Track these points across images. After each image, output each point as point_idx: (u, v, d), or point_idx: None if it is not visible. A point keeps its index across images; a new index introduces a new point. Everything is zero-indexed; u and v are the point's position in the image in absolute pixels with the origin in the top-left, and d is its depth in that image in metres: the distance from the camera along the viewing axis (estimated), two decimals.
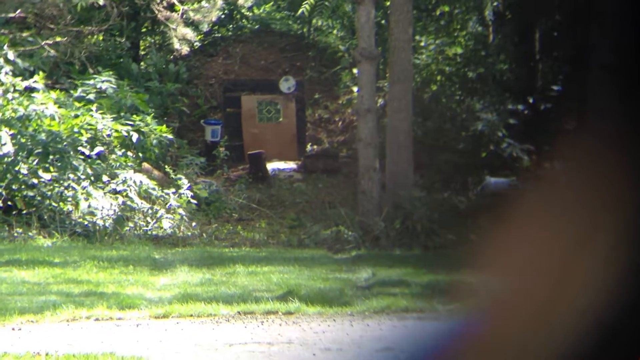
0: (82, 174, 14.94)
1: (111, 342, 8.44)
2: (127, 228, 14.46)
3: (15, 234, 13.87)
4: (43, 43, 18.07)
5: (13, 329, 8.82)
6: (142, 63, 21.23)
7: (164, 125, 17.48)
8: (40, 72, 17.34)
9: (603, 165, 1.32)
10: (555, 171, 1.37)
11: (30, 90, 16.64)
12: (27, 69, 17.70)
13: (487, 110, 17.66)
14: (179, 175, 16.28)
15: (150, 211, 14.95)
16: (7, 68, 16.85)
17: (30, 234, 13.87)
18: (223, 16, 22.00)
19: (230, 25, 23.69)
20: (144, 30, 22.04)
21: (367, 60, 15.54)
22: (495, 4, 18.91)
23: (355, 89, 18.72)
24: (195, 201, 15.96)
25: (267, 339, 8.78)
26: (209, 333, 8.98)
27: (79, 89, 17.64)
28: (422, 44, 19.38)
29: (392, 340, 8.50)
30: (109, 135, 16.14)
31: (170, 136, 17.36)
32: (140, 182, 15.34)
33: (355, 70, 18.20)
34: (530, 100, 17.08)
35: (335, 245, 14.16)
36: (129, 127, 16.54)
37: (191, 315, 9.45)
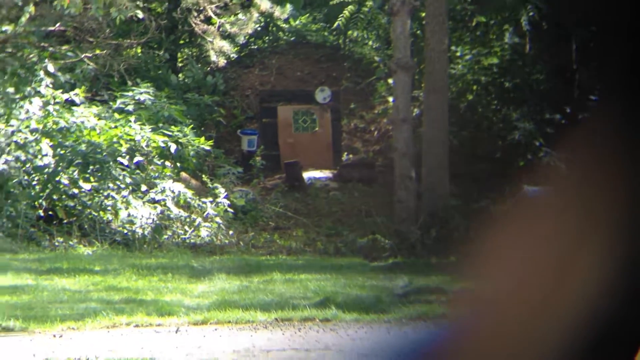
0: (121, 184, 15.12)
1: (151, 349, 8.53)
2: (166, 236, 14.61)
3: (57, 243, 14.06)
4: (82, 56, 18.31)
5: (54, 336, 8.94)
6: (180, 75, 21.43)
7: (203, 137, 17.64)
8: (81, 86, 17.58)
9: (637, 174, 1.36)
10: (590, 180, 1.42)
11: (70, 102, 16.87)
12: (68, 81, 17.94)
13: (524, 119, 17.63)
14: (216, 185, 16.42)
15: (188, 220, 15.09)
16: (48, 81, 17.09)
17: (71, 242, 14.06)
18: (259, 28, 22.17)
19: (266, 37, 23.84)
20: (181, 42, 22.25)
21: (402, 71, 15.59)
22: (531, 14, 18.88)
23: (390, 98, 18.76)
24: (232, 210, 16.08)
25: (304, 346, 8.83)
26: (246, 339, 9.05)
27: (118, 101, 17.86)
28: (458, 54, 19.39)
29: (428, 346, 8.52)
30: (147, 146, 16.31)
31: (207, 147, 17.51)
32: (179, 191, 15.50)
33: (390, 81, 18.25)
34: (567, 110, 17.03)
35: (371, 253, 14.20)
36: (167, 138, 16.71)
37: (229, 322, 9.52)
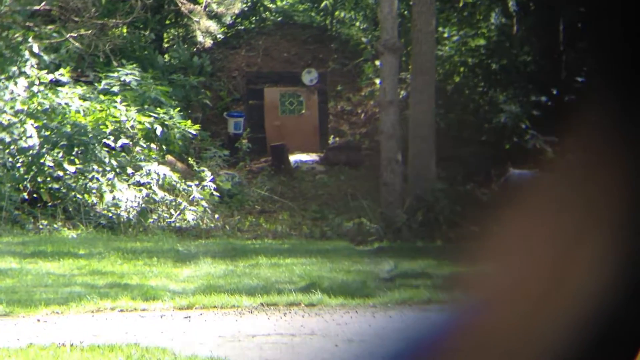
0: (106, 166, 15.05)
1: (135, 333, 8.51)
2: (151, 220, 14.56)
3: (41, 226, 13.99)
4: (68, 36, 18.19)
5: (38, 320, 8.90)
6: (165, 56, 21.32)
7: (189, 120, 17.57)
8: (66, 67, 17.46)
9: (624, 157, 1.34)
10: (577, 162, 1.39)
11: (55, 83, 16.76)
12: (52, 62, 17.82)
13: (511, 102, 17.62)
14: (202, 168, 16.37)
15: (173, 203, 15.05)
16: (33, 61, 16.97)
17: (55, 225, 13.99)
18: (246, 8, 22.06)
19: (253, 18, 23.73)
20: (167, 22, 22.12)
21: (389, 52, 15.53)
22: None
23: (377, 81, 18.71)
24: (218, 193, 16.04)
25: (289, 331, 8.83)
26: (232, 324, 9.04)
27: (104, 82, 17.75)
28: (445, 35, 19.34)
29: (414, 331, 8.53)
30: (132, 127, 16.23)
31: (193, 130, 17.44)
32: (164, 174, 15.44)
33: (377, 62, 18.20)
34: (554, 92, 17.02)
35: (357, 237, 14.19)
36: (153, 120, 16.63)
37: (214, 307, 9.51)
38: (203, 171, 16.16)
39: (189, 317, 9.30)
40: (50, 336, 8.35)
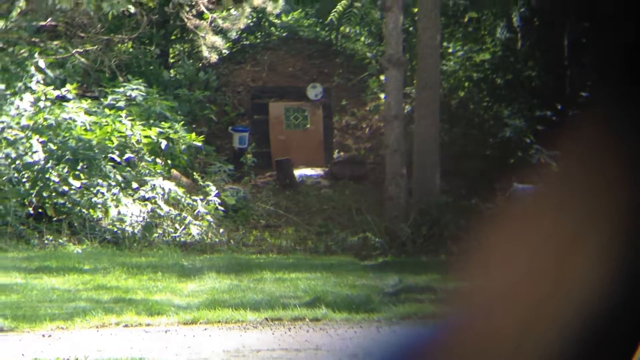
0: (111, 181, 15.08)
1: (140, 348, 8.52)
2: (156, 235, 14.57)
3: (46, 241, 14.01)
4: (74, 51, 18.26)
5: (43, 335, 8.92)
6: (171, 71, 21.38)
7: (193, 133, 17.60)
8: (72, 82, 17.52)
9: (628, 171, 1.35)
10: (581, 177, 1.41)
11: (61, 98, 16.81)
12: (58, 77, 17.89)
13: (515, 116, 17.63)
14: (207, 182, 16.38)
15: (178, 218, 15.06)
16: (39, 77, 17.04)
17: (60, 240, 14.02)
18: (251, 24, 22.12)
19: (259, 33, 23.80)
20: (173, 38, 22.19)
21: (394, 67, 15.57)
22: (522, 10, 18.87)
23: (382, 95, 18.74)
24: (222, 208, 16.05)
25: (294, 346, 8.82)
26: (236, 339, 9.04)
27: (109, 97, 17.80)
28: (450, 50, 19.37)
29: (419, 346, 8.52)
30: (138, 142, 16.27)
31: (198, 143, 17.46)
32: (169, 189, 15.46)
33: (382, 77, 18.23)
34: (559, 107, 17.03)
35: (362, 251, 14.19)
36: (158, 134, 16.67)
37: (219, 322, 9.52)
38: (208, 186, 16.18)
39: (194, 332, 9.31)
40: (55, 351, 8.37)
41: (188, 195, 15.66)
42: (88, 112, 16.50)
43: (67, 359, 8.14)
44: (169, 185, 15.59)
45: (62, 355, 8.21)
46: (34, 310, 9.50)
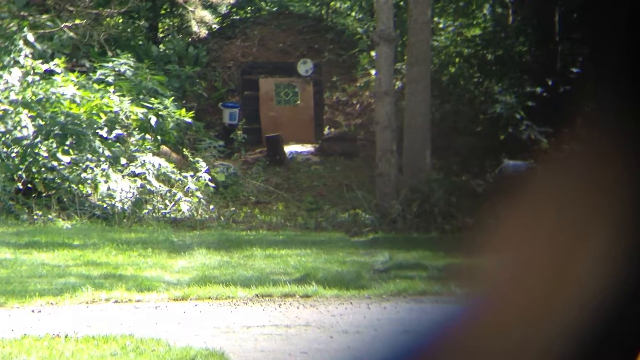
0: (100, 157, 15.01)
1: (130, 324, 8.50)
2: (146, 211, 14.54)
3: (35, 217, 13.96)
4: (62, 25, 18.14)
5: (33, 311, 8.89)
6: (160, 46, 21.27)
7: (183, 109, 17.53)
8: (60, 56, 17.41)
9: (619, 148, 1.33)
10: (571, 153, 1.38)
11: (50, 73, 16.71)
12: (47, 51, 17.77)
13: (506, 92, 17.61)
14: (197, 159, 16.33)
15: (168, 194, 15.02)
16: (27, 51, 16.92)
17: (49, 216, 13.97)
18: None
19: (249, 7, 23.68)
20: (162, 12, 22.06)
21: (385, 42, 15.51)
22: None
23: (373, 71, 18.69)
24: (213, 184, 16.01)
25: (284, 322, 8.82)
26: (227, 315, 9.04)
27: (98, 72, 17.70)
28: (441, 25, 19.31)
29: (409, 322, 8.53)
30: (127, 118, 16.19)
31: (188, 119, 17.40)
32: (159, 164, 15.41)
33: (373, 53, 18.17)
34: (550, 83, 17.00)
35: (352, 228, 14.18)
36: (147, 110, 16.60)
37: (209, 298, 9.51)
38: (198, 162, 16.13)
39: (184, 308, 9.30)
40: (44, 327, 8.34)
41: (178, 172, 15.61)
42: (77, 86, 16.40)
43: (57, 335, 8.11)
44: (159, 161, 15.54)
45: (51, 331, 8.19)
46: (23, 286, 9.47)
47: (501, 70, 18.25)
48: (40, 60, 16.84)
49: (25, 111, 15.44)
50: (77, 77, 16.74)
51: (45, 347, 7.86)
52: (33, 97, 15.82)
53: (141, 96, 17.22)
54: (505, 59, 18.46)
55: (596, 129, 1.34)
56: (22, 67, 16.61)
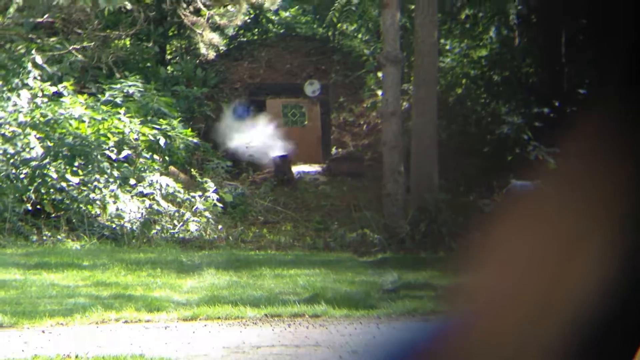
0: (109, 177, 15.07)
1: (140, 344, 8.51)
2: (154, 231, 14.57)
3: (45, 237, 14.00)
4: (71, 48, 18.25)
5: (43, 332, 8.91)
6: (169, 67, 21.37)
7: (189, 129, 17.60)
8: (69, 79, 17.51)
9: (626, 168, 1.36)
10: (578, 174, 1.41)
11: (58, 95, 16.80)
12: (55, 73, 17.87)
13: (513, 113, 17.65)
14: (205, 179, 16.38)
15: (176, 214, 15.06)
16: (35, 73, 17.02)
17: (59, 237, 14.01)
18: (249, 20, 22.13)
19: (256, 30, 23.80)
20: (170, 34, 22.18)
21: (392, 64, 15.58)
22: (519, 7, 18.88)
23: (380, 92, 18.75)
24: (221, 204, 16.05)
25: (294, 342, 8.83)
26: (236, 335, 9.04)
27: (107, 93, 17.79)
28: (447, 47, 19.39)
29: (419, 342, 8.53)
30: (136, 139, 16.26)
31: (196, 140, 17.47)
32: (167, 185, 15.46)
33: (380, 74, 18.24)
34: (556, 104, 17.04)
35: (360, 248, 14.19)
36: (156, 131, 16.66)
37: (219, 318, 9.52)
38: (206, 182, 16.18)
39: (193, 328, 9.31)
40: (55, 347, 8.36)
41: (186, 192, 15.66)
42: (86, 107, 16.49)
43: (67, 355, 8.14)
44: (167, 181, 15.59)
45: (62, 352, 8.20)
46: (34, 306, 9.49)
47: (508, 92, 18.30)
48: (49, 83, 16.94)
49: (34, 133, 15.51)
50: (85, 99, 16.84)
51: None
52: (41, 119, 15.90)
53: (149, 117, 17.30)
54: (511, 80, 18.51)
55: (603, 149, 1.37)
56: (30, 89, 16.71)
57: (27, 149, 15.23)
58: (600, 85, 1.42)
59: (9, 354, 8.22)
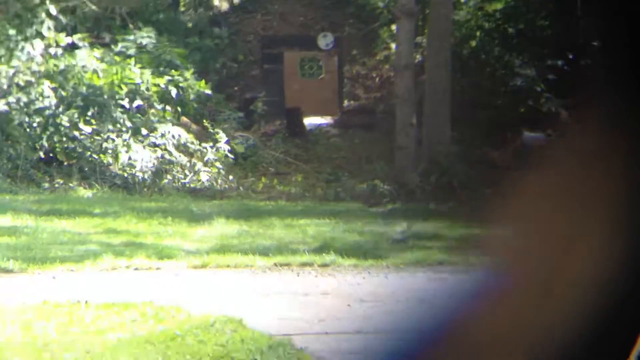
0: (122, 127, 15.11)
1: (150, 291, 8.57)
2: (166, 180, 14.62)
3: (57, 185, 14.07)
4: None
5: (54, 277, 8.99)
6: (182, 19, 21.29)
7: (203, 81, 17.57)
8: (82, 29, 17.49)
9: (636, 120, 1.35)
10: (590, 126, 1.40)
11: (71, 45, 16.80)
12: (69, 23, 17.84)
13: (526, 66, 17.53)
14: (216, 130, 16.38)
15: (188, 164, 15.10)
16: (50, 23, 17.00)
17: (71, 185, 14.07)
18: None
19: None
20: None
21: (406, 16, 15.47)
22: None
23: (393, 45, 18.65)
24: (232, 155, 16.07)
25: (303, 290, 8.87)
26: (245, 283, 9.10)
27: (120, 44, 17.75)
28: (462, 0, 19.22)
29: (426, 292, 8.55)
30: (147, 90, 16.27)
31: (208, 91, 17.44)
32: (179, 135, 15.48)
33: (393, 27, 18.12)
34: (570, 56, 16.91)
35: (370, 199, 14.19)
36: (168, 82, 16.65)
37: (228, 266, 9.57)
38: (217, 133, 16.18)
39: (203, 275, 9.37)
40: (65, 293, 8.43)
41: (198, 142, 15.68)
42: (99, 59, 16.49)
43: (77, 301, 8.20)
44: (179, 131, 15.61)
45: (72, 297, 8.27)
46: (44, 253, 9.56)
47: (522, 44, 18.16)
48: (63, 33, 16.93)
49: (48, 82, 15.54)
50: (98, 50, 16.83)
51: (66, 313, 7.95)
52: (55, 69, 15.92)
53: (161, 69, 17.28)
54: (526, 33, 18.37)
55: (616, 101, 1.36)
56: (44, 39, 16.70)
57: (41, 98, 15.27)
58: (614, 38, 1.41)
59: (19, 299, 8.29)
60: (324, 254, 9.80)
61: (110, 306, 8.09)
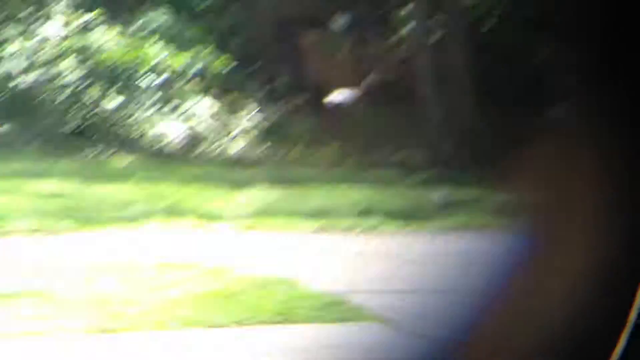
0: (148, 100, 15.16)
1: (200, 253, 8.62)
2: (199, 151, 14.66)
3: (88, 157, 14.04)
4: None
5: (105, 238, 9.02)
6: None
7: (224, 56, 17.58)
8: (101, 7, 17.50)
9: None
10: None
11: (90, 22, 16.83)
12: (87, 1, 17.84)
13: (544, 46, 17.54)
14: (244, 102, 16.44)
15: (217, 136, 15.14)
16: (67, 0, 17.01)
17: (102, 157, 14.05)
18: None
19: None
20: None
21: None
22: None
23: (412, 22, 18.66)
24: (260, 127, 16.12)
25: (351, 252, 8.92)
26: (290, 244, 9.13)
27: (138, 22, 17.77)
28: None
29: (475, 254, 8.59)
30: (169, 66, 16.31)
31: (230, 66, 17.46)
32: (208, 107, 15.53)
33: (410, 5, 18.13)
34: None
35: (407, 167, 14.23)
36: (191, 58, 16.70)
37: (274, 229, 9.61)
38: (246, 105, 16.24)
39: (250, 238, 9.39)
40: (118, 253, 8.47)
41: (227, 114, 15.73)
42: (119, 34, 16.53)
43: (128, 261, 8.24)
44: (208, 103, 15.66)
45: (122, 258, 8.31)
46: (94, 214, 9.58)
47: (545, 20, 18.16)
48: (81, 10, 16.94)
49: (69, 58, 15.59)
50: (116, 28, 16.85)
51: (124, 269, 8.00)
52: (76, 45, 15.97)
53: (182, 44, 17.30)
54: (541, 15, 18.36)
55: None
56: (63, 15, 16.74)
57: (65, 73, 15.33)
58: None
59: (71, 258, 8.33)
60: (367, 218, 9.83)
61: (163, 266, 8.14)
